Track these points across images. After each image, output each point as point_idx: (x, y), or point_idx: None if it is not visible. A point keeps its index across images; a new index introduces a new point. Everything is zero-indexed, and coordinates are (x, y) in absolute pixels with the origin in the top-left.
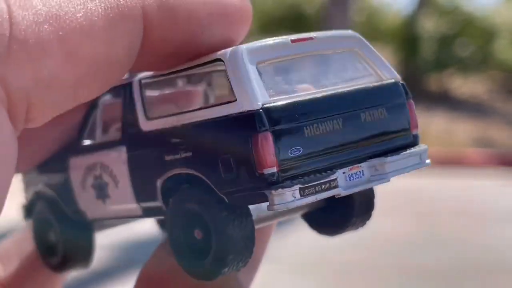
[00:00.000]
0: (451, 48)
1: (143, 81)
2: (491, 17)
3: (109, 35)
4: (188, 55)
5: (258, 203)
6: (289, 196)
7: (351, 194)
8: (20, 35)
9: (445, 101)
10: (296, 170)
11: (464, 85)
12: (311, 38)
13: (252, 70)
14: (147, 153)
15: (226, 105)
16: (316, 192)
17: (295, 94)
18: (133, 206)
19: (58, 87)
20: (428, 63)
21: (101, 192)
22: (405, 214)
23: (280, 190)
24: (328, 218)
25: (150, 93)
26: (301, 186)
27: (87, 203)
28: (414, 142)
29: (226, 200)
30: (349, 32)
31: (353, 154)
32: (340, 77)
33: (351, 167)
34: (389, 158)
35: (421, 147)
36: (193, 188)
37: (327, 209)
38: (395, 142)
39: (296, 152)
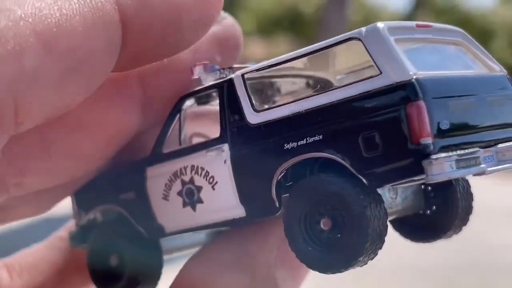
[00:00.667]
0: None
1: (246, 76)
2: (488, 16)
3: (86, 30)
4: (170, 44)
5: (410, 177)
6: (448, 166)
7: (454, 198)
8: None
9: None
10: (445, 143)
11: None
12: (430, 26)
13: (396, 45)
14: (259, 146)
15: (368, 80)
16: (467, 166)
17: (439, 71)
18: (235, 207)
19: (42, 82)
20: None
21: (191, 198)
22: None
23: (440, 159)
24: (426, 223)
25: (255, 86)
26: (457, 157)
27: (169, 214)
28: None
29: (365, 181)
30: (456, 28)
31: (487, 137)
32: (461, 65)
33: (484, 150)
34: None
35: None
36: (317, 173)
37: (421, 215)
38: None
39: (445, 125)
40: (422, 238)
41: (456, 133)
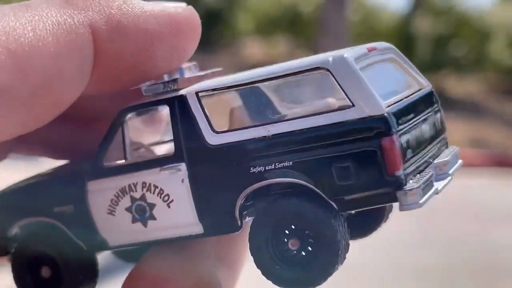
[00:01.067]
0: (446, 48)
1: (200, 94)
2: (486, 17)
3: (58, 50)
4: (142, 70)
5: (382, 204)
6: (418, 196)
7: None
8: None
9: (440, 101)
10: (408, 170)
11: (459, 86)
12: (375, 48)
13: (364, 76)
14: (221, 167)
15: (340, 111)
16: (428, 190)
17: (393, 99)
18: (192, 225)
19: (11, 99)
20: (423, 63)
21: (142, 214)
22: (401, 214)
23: (413, 190)
24: (362, 223)
25: (209, 106)
26: (423, 185)
27: (115, 229)
28: (447, 144)
29: (335, 206)
30: (389, 44)
31: (427, 156)
32: (403, 85)
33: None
34: (449, 158)
35: (455, 148)
36: (287, 197)
37: (359, 216)
38: (443, 144)
39: (409, 154)
40: (358, 235)
41: (413, 158)
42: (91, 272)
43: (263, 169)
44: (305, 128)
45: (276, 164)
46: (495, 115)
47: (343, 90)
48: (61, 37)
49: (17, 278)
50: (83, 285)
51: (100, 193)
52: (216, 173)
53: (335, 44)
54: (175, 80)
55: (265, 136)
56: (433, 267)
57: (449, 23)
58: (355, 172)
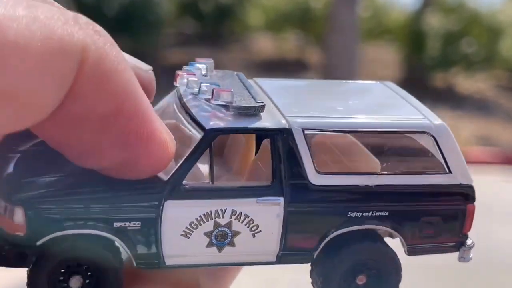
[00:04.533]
0: (456, 45)
1: (306, 132)
2: (496, 14)
3: (42, 57)
4: (109, 123)
5: (444, 253)
6: (471, 252)
7: None
8: None
9: (449, 98)
10: None
11: (469, 83)
12: None
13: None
14: (319, 207)
15: (438, 175)
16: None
17: None
18: (269, 254)
19: None
20: (433, 60)
21: (222, 240)
22: None
23: (471, 248)
24: None
25: (314, 145)
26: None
27: (181, 250)
28: None
29: (407, 252)
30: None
31: None
32: None
33: None
34: None
35: None
36: (368, 240)
37: None
38: None
39: None
40: None
41: None
42: None
43: (360, 214)
44: (405, 185)
45: (374, 212)
46: (504, 112)
47: (443, 156)
48: (51, 46)
49: None
50: None
51: (178, 214)
52: (314, 212)
53: (345, 40)
54: (262, 107)
55: (367, 185)
56: (438, 264)
57: (459, 20)
58: (438, 226)
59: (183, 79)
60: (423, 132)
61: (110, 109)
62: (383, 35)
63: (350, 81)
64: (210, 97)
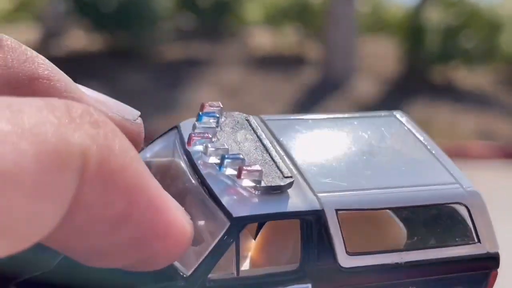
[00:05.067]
0: (456, 39)
1: (339, 212)
2: (496, 9)
3: (38, 186)
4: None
5: None
6: None
7: None
8: None
9: (449, 93)
10: None
11: (469, 77)
12: None
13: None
14: None
15: (467, 246)
16: None
17: None
18: None
19: None
20: (432, 54)
21: None
22: None
23: None
24: None
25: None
26: None
27: None
28: None
29: None
30: None
31: None
32: None
33: None
34: None
35: None
36: None
37: None
38: None
39: None
40: None
41: None
42: None
43: None
44: (434, 259)
45: (402, 287)
46: (504, 107)
47: (474, 227)
48: (45, 161)
49: None
50: None
51: None
52: None
53: (344, 35)
54: (291, 184)
55: (398, 263)
56: None
57: (459, 14)
58: None
59: (196, 144)
60: (458, 203)
61: (121, 208)
62: (382, 30)
63: (359, 115)
64: (234, 173)
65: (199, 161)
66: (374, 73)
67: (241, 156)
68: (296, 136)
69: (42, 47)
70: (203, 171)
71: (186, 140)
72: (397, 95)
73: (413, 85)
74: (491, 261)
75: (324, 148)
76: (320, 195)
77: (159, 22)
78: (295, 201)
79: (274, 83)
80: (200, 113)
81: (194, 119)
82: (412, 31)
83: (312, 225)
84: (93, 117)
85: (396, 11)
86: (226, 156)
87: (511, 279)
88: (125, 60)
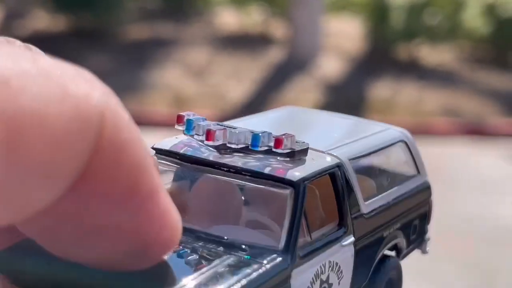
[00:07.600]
0: (420, 17)
1: (351, 162)
2: None
3: (60, 136)
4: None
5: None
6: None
7: None
8: None
9: (413, 70)
10: None
11: (433, 54)
12: None
13: None
14: (370, 236)
15: (412, 179)
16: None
17: None
18: None
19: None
20: (396, 32)
21: None
22: None
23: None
24: None
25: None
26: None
27: None
28: None
29: (397, 258)
30: None
31: None
32: None
33: None
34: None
35: None
36: (392, 256)
37: None
38: None
39: None
40: None
41: None
42: None
43: (388, 233)
44: (400, 194)
45: (393, 227)
46: (468, 84)
47: (414, 159)
48: (68, 111)
49: None
50: None
51: (300, 282)
52: (369, 242)
53: (309, 13)
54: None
55: (388, 202)
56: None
57: None
58: (417, 228)
59: (217, 138)
60: (400, 141)
61: (126, 186)
62: (348, 9)
63: (268, 111)
64: (268, 148)
65: (212, 152)
66: (339, 51)
67: (268, 131)
68: (278, 124)
69: (4, 28)
70: (228, 158)
71: (186, 144)
72: (362, 73)
73: (378, 63)
74: (429, 190)
75: (298, 131)
76: (328, 151)
77: (124, 2)
78: (320, 160)
79: (240, 62)
80: (186, 120)
81: (169, 138)
82: (376, 9)
83: (338, 178)
84: (102, 85)
85: None
86: (260, 134)
87: (478, 246)
88: (89, 41)
